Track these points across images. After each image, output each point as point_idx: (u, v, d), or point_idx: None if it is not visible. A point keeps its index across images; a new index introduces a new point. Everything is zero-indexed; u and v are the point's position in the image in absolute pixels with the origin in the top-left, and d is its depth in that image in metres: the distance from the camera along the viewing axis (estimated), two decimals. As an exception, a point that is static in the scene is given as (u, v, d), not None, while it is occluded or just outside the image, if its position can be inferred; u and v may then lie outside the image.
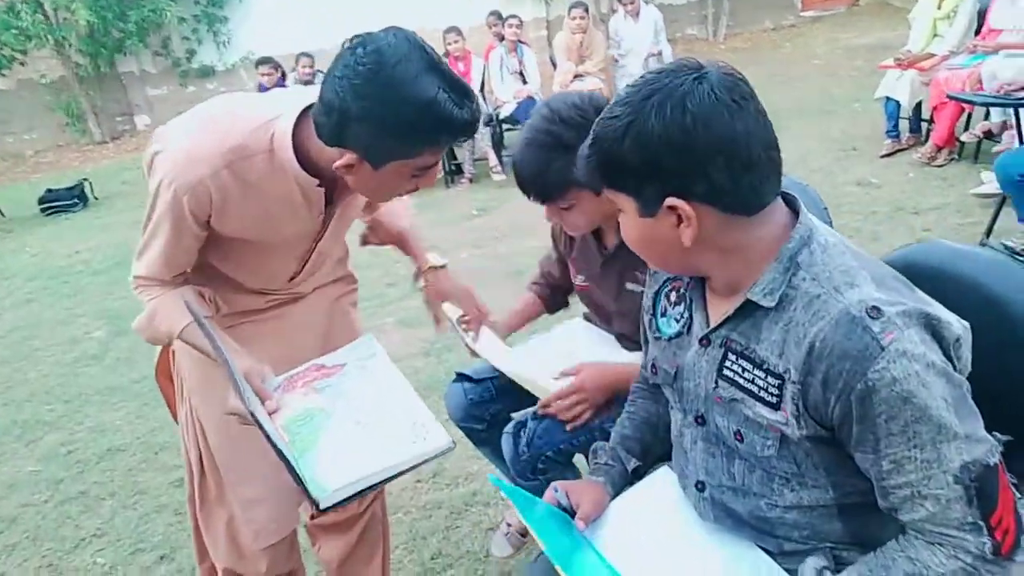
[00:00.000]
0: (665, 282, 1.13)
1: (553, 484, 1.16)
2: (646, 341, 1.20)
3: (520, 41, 6.28)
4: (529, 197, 1.42)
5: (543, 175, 1.36)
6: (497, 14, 6.87)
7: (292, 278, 1.40)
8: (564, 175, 1.32)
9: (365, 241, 1.60)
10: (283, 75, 6.58)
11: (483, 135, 5.98)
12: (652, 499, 1.18)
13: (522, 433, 1.52)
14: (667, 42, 6.60)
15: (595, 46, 6.22)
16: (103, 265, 5.04)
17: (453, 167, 6.36)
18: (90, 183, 7.39)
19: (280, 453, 0.99)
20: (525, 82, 6.18)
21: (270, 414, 1.16)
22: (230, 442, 1.40)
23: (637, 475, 1.24)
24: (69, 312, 4.40)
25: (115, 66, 10.51)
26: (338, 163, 1.09)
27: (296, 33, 9.36)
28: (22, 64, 9.96)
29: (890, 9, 10.03)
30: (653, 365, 1.13)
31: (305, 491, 1.00)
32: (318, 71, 6.89)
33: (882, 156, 4.81)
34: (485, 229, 4.90)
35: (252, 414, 1.01)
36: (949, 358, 0.85)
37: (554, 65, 6.43)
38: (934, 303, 0.88)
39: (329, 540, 1.68)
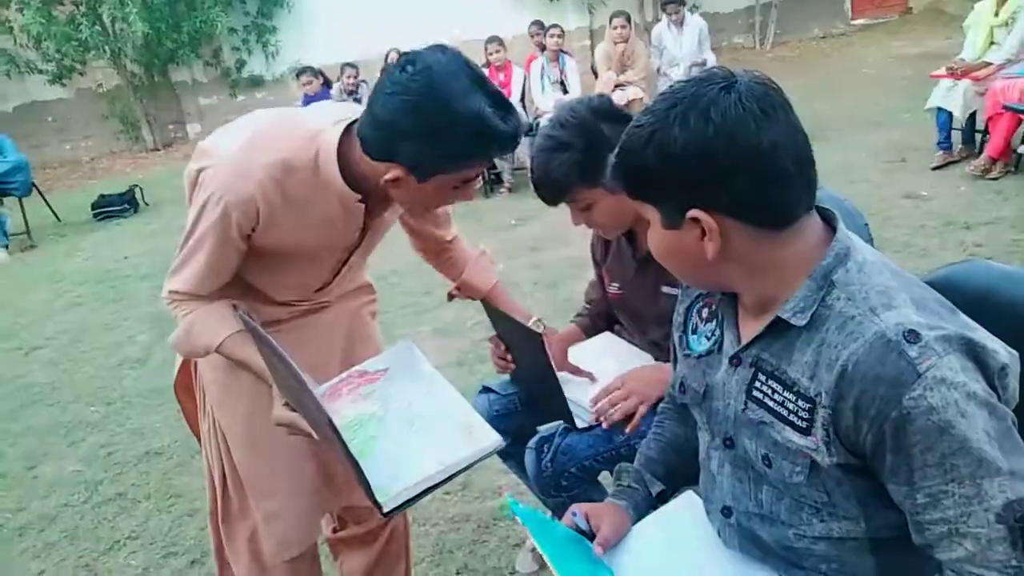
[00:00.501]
0: (697, 297, 1.09)
1: (572, 507, 1.13)
2: (675, 360, 1.17)
3: (562, 51, 6.27)
4: (546, 203, 1.49)
5: (546, 177, 1.43)
6: (539, 23, 6.88)
7: (321, 288, 1.40)
8: (565, 174, 1.40)
9: (451, 297, 1.68)
10: (327, 84, 6.68)
11: (523, 145, 5.98)
12: (674, 525, 1.15)
13: (546, 448, 1.50)
14: (712, 51, 6.52)
15: (637, 55, 6.18)
16: (150, 270, 5.17)
17: (493, 176, 6.37)
18: (141, 189, 7.61)
19: (350, 456, 0.99)
20: (566, 91, 6.16)
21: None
22: (254, 455, 1.40)
23: (661, 499, 1.20)
24: (115, 316, 4.52)
25: (168, 76, 10.84)
26: (386, 177, 1.11)
27: (342, 43, 9.52)
28: (81, 74, 10.34)
29: (944, 17, 9.75)
30: (682, 384, 1.09)
31: (370, 495, 1.01)
32: (362, 81, 7.00)
33: (933, 168, 4.66)
34: (523, 239, 4.89)
35: (326, 418, 1.00)
36: (993, 388, 0.79)
37: (595, 74, 6.40)
38: (979, 328, 0.83)
39: (351, 554, 1.68)
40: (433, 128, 1.05)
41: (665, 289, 1.51)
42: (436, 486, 1.07)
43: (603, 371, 1.60)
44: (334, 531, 1.67)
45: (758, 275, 0.90)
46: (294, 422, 1.16)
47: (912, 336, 0.78)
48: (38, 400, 3.52)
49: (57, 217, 7.38)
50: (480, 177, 1.14)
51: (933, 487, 0.79)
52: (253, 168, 1.16)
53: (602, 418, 1.47)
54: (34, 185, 7.01)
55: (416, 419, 1.13)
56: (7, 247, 6.47)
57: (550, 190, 1.45)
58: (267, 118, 1.26)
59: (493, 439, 1.10)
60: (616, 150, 0.90)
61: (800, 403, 0.87)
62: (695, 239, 0.87)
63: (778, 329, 0.90)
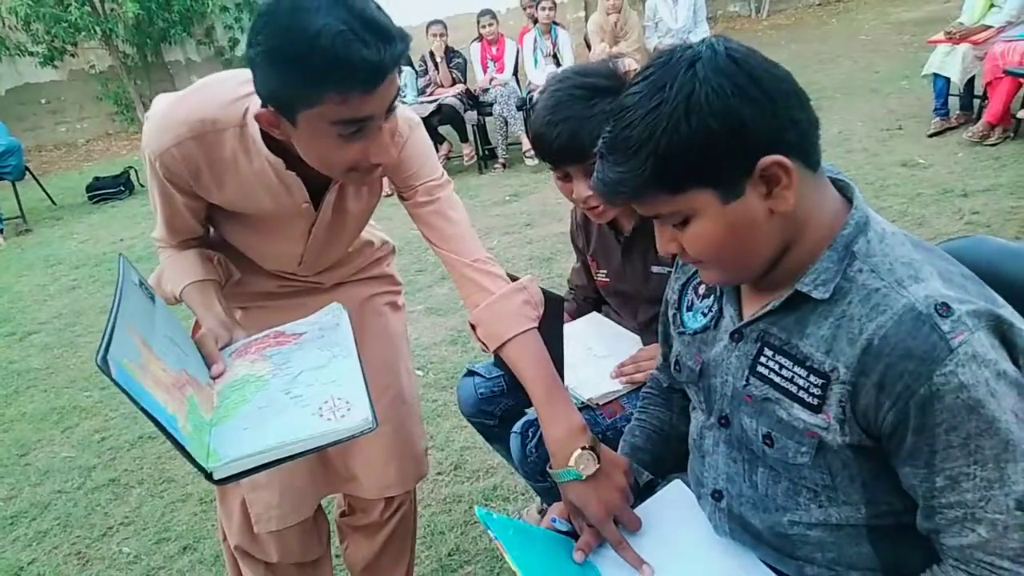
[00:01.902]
0: (694, 274, 1.05)
1: (550, 511, 1.10)
2: (665, 340, 1.13)
3: (555, 23, 6.17)
4: (564, 164, 1.35)
5: (579, 135, 1.28)
6: (532, -5, 6.76)
7: (300, 262, 1.37)
8: (600, 131, 1.27)
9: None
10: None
11: (516, 119, 5.91)
12: (662, 516, 1.11)
13: (531, 433, 1.48)
14: (705, 22, 6.42)
15: (630, 26, 6.08)
16: (145, 252, 5.14)
17: (487, 152, 6.32)
18: (136, 171, 7.55)
19: (158, 424, 0.88)
20: (559, 64, 6.07)
21: (214, 378, 1.10)
22: None
23: (649, 487, 1.17)
24: (110, 299, 4.50)
25: (161, 55, 10.72)
26: (261, 124, 1.04)
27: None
28: (73, 56, 10.22)
29: (945, -21, 9.58)
30: (677, 362, 1.06)
31: (195, 464, 0.90)
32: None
33: (930, 135, 4.59)
34: (517, 215, 4.85)
35: (120, 386, 0.86)
36: (1018, 367, 0.76)
37: (589, 46, 6.30)
38: (1006, 305, 0.79)
39: (355, 542, 1.64)
40: (276, 53, 0.93)
41: (655, 269, 1.49)
42: (283, 460, 0.96)
43: (591, 351, 1.57)
44: (342, 515, 1.65)
45: (804, 231, 0.83)
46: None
47: (944, 309, 0.74)
48: (32, 385, 3.51)
49: (52, 200, 7.34)
50: (386, 145, 1.02)
51: (955, 469, 0.76)
52: (173, 123, 1.11)
53: (623, 376, 1.48)
54: (27, 168, 6.96)
55: (295, 388, 1.04)
56: (2, 232, 6.44)
57: (580, 148, 1.28)
58: (216, 76, 1.20)
59: (356, 421, 0.98)
60: (632, 150, 0.78)
61: (812, 379, 0.83)
62: (759, 200, 0.79)
63: (793, 303, 0.86)
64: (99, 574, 2.17)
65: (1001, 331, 0.76)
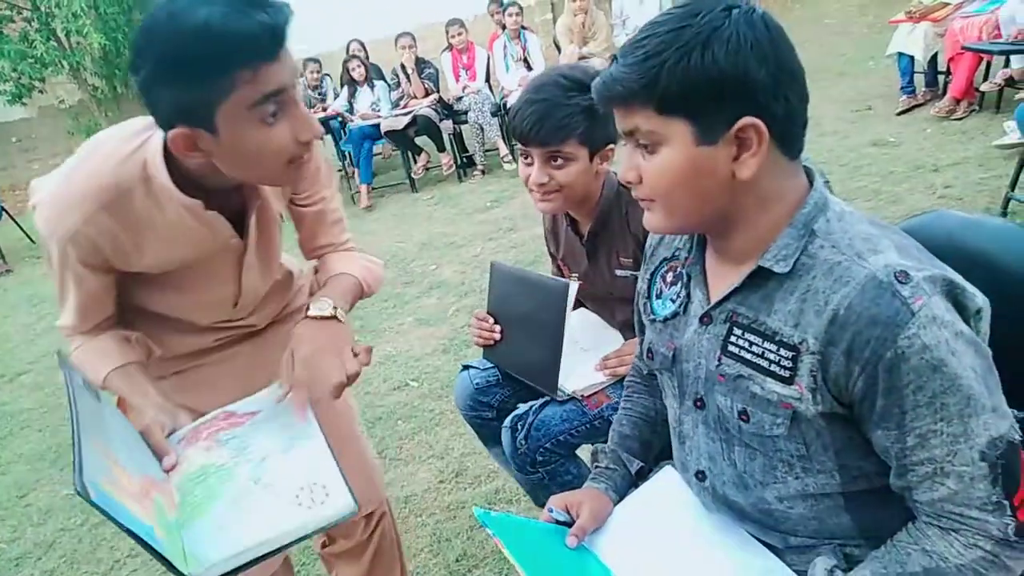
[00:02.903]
0: (661, 263, 1.09)
1: (549, 502, 1.12)
2: (641, 329, 1.17)
3: (523, 27, 6.22)
4: (528, 144, 1.42)
5: (549, 116, 1.38)
6: (499, 2, 6.81)
7: (235, 303, 1.30)
8: (571, 117, 1.37)
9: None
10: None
11: (491, 125, 5.95)
12: (655, 500, 1.15)
13: (519, 426, 1.51)
14: (672, 15, 6.48)
15: (598, 27, 6.13)
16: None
17: (465, 160, 6.35)
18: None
19: (138, 539, 0.84)
20: (531, 68, 6.12)
21: (167, 471, 1.04)
22: None
23: (641, 476, 1.21)
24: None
25: (131, 86, 10.65)
26: (178, 149, 0.98)
27: (304, 38, 9.38)
28: (41, 92, 10.15)
29: (904, -41, 9.73)
30: (649, 351, 1.09)
31: (173, 570, 0.86)
32: (325, 75, 6.92)
33: (898, 114, 4.68)
34: (499, 220, 4.88)
35: (101, 509, 0.82)
36: (970, 327, 0.81)
37: (558, 48, 6.35)
38: (955, 273, 0.84)
39: (343, 567, 1.64)
40: (172, 62, 0.91)
41: (619, 272, 1.52)
42: (263, 557, 0.93)
43: (577, 344, 1.60)
44: (323, 546, 1.63)
45: (761, 209, 0.88)
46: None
47: (903, 276, 0.79)
48: (26, 426, 3.50)
49: (31, 239, 7.28)
50: (283, 93, 0.97)
51: (923, 427, 0.80)
52: (74, 201, 1.05)
53: (607, 369, 1.52)
54: (3, 208, 6.91)
55: (263, 476, 1.00)
56: (-18, 274, 6.40)
57: (550, 128, 1.38)
58: (94, 140, 1.12)
59: (340, 507, 0.95)
60: (639, 57, 0.82)
61: (783, 352, 0.87)
62: (727, 158, 0.84)
63: (756, 281, 0.90)
64: (109, 608, 2.17)
65: (954, 295, 0.81)
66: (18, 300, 5.67)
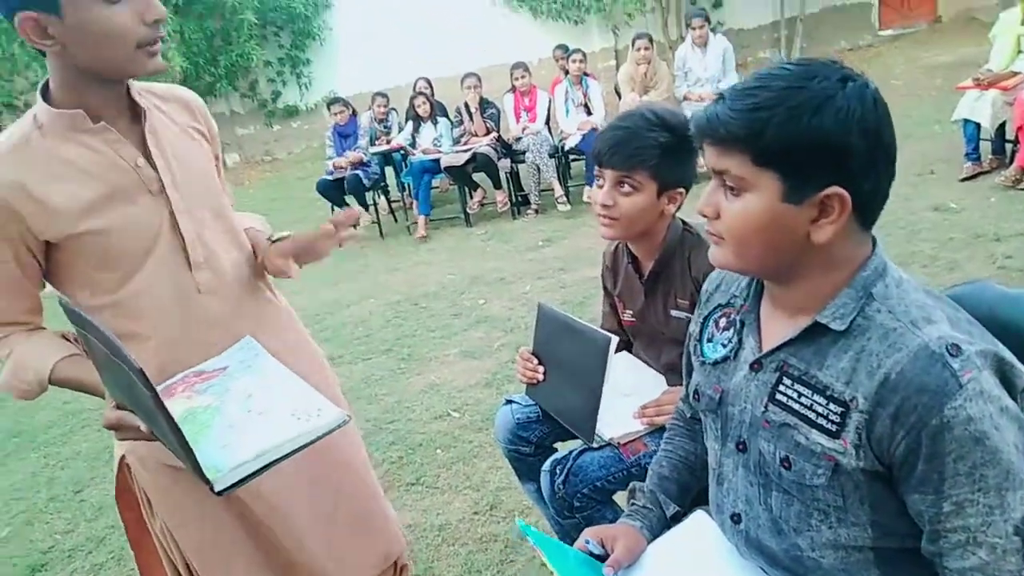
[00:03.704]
0: (715, 308, 1.14)
1: (584, 533, 1.16)
2: (687, 373, 1.21)
3: (585, 74, 6.35)
4: (603, 165, 1.51)
5: (630, 141, 1.47)
6: (563, 47, 6.98)
7: (189, 263, 1.25)
8: (649, 147, 1.46)
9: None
10: (354, 113, 6.87)
11: (548, 166, 6.06)
12: (688, 543, 1.17)
13: (558, 470, 1.54)
14: (735, 71, 6.54)
15: (660, 76, 6.23)
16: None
17: (520, 198, 6.47)
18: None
19: (181, 440, 0.94)
20: (590, 113, 6.24)
21: None
22: (209, 562, 1.38)
23: (676, 519, 1.23)
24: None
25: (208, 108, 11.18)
26: (26, 32, 1.04)
27: (373, 73, 9.77)
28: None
29: (976, 24, 9.61)
30: (696, 392, 1.13)
31: (201, 475, 0.97)
32: (392, 109, 7.17)
33: (961, 180, 4.61)
34: (549, 260, 4.95)
35: (158, 401, 0.91)
36: (1017, 403, 0.84)
37: (619, 95, 6.46)
38: (1005, 348, 0.87)
39: None
40: None
41: (674, 312, 1.57)
42: (273, 463, 1.03)
43: (617, 389, 1.64)
44: None
45: (826, 269, 0.92)
46: (121, 419, 1.06)
47: (954, 349, 0.82)
48: (86, 425, 3.67)
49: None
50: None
51: (960, 495, 0.82)
52: None
53: (644, 418, 1.56)
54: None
55: (253, 407, 1.09)
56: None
57: (625, 153, 1.47)
58: None
59: (333, 417, 1.05)
60: (748, 105, 0.86)
61: (832, 406, 0.91)
62: (807, 219, 0.88)
63: (811, 335, 0.94)
64: (150, 607, 2.25)
65: (1003, 371, 0.84)
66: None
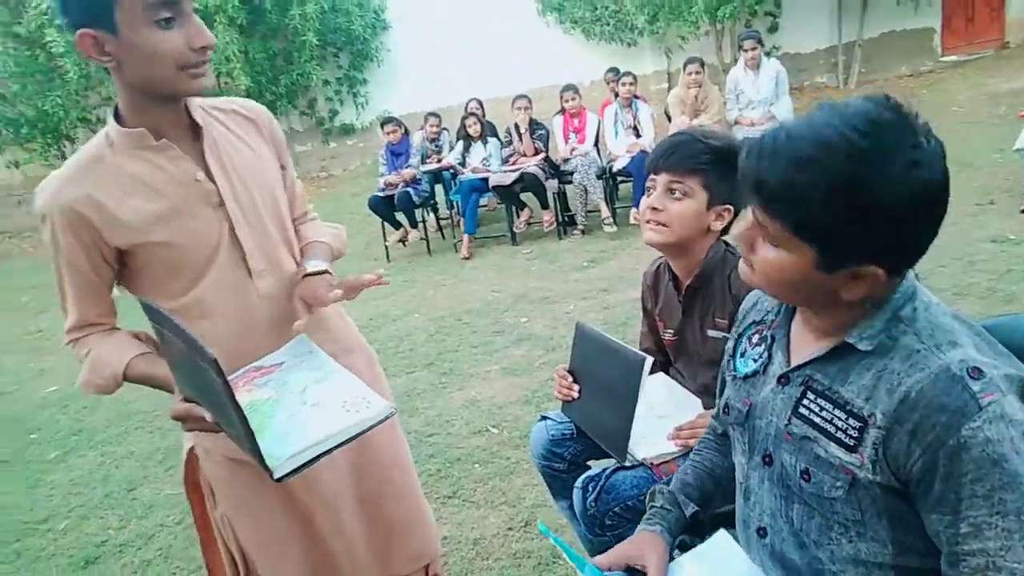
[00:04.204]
0: (750, 325, 1.17)
1: (608, 559, 1.14)
2: (722, 390, 1.23)
3: (636, 96, 6.38)
4: (657, 171, 1.56)
5: (686, 147, 1.53)
6: (615, 70, 7.04)
7: (250, 274, 1.33)
8: (698, 159, 1.51)
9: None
10: (407, 132, 7.03)
11: (596, 187, 6.09)
12: (711, 561, 1.17)
13: (591, 487, 1.56)
14: (789, 94, 6.48)
15: (711, 100, 6.23)
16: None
17: (566, 218, 6.51)
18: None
19: (247, 427, 1.01)
20: (639, 136, 6.26)
21: None
22: (265, 551, 1.47)
23: (695, 519, 1.24)
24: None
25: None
26: (84, 46, 1.14)
27: (427, 93, 9.97)
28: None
29: (1044, 51, 9.35)
30: (726, 406, 1.16)
31: (262, 463, 1.06)
32: (444, 128, 7.31)
33: (1022, 211, 4.47)
34: (594, 280, 4.96)
35: (228, 392, 0.99)
36: None
37: (669, 118, 6.47)
38: None
39: None
40: None
41: (711, 332, 1.59)
42: (326, 452, 1.12)
43: (652, 410, 1.65)
44: None
45: (857, 304, 0.94)
46: (189, 411, 1.15)
47: (976, 372, 0.84)
48: (140, 427, 3.82)
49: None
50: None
51: (978, 517, 0.83)
52: (52, 179, 1.24)
53: (679, 440, 1.57)
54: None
55: (309, 399, 1.18)
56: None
57: (682, 155, 1.53)
58: None
59: (380, 409, 1.14)
60: (807, 183, 0.84)
61: (851, 421, 0.92)
62: (839, 283, 0.90)
63: (839, 354, 0.96)
64: (193, 604, 2.34)
65: None
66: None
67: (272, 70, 10.72)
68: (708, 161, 1.51)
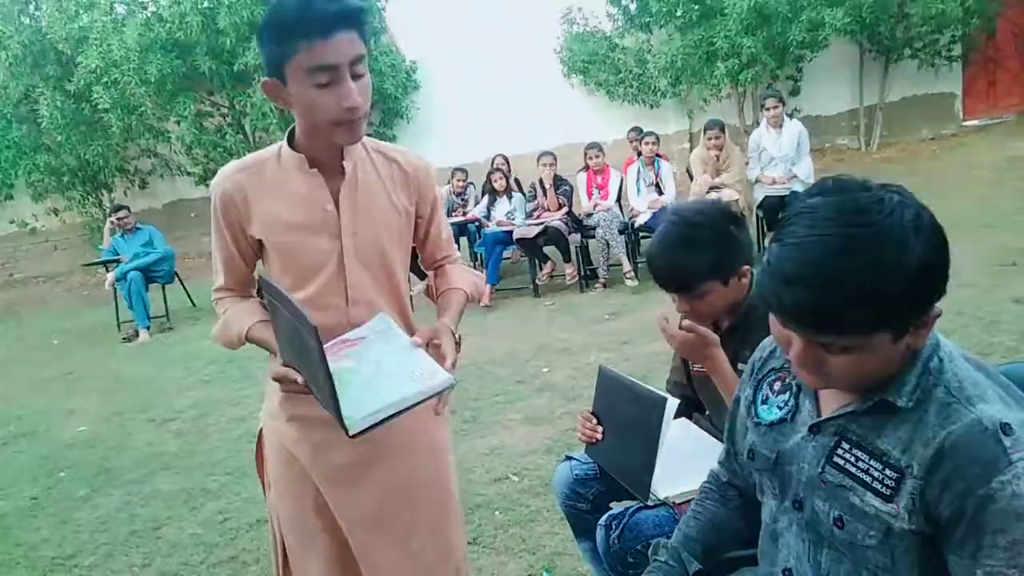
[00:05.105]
0: (770, 372, 1.20)
1: None
2: (730, 435, 1.26)
3: (658, 155, 6.53)
4: (668, 290, 1.63)
5: (676, 270, 1.60)
6: (638, 130, 7.23)
7: (346, 291, 1.49)
8: (697, 268, 1.56)
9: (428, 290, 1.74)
10: (436, 186, 7.21)
11: (618, 242, 6.19)
12: None
13: (614, 525, 1.59)
14: (810, 155, 6.57)
15: (732, 160, 6.33)
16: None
17: (588, 272, 6.59)
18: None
19: (332, 389, 1.19)
20: (661, 193, 6.38)
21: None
22: (296, 536, 1.59)
23: None
24: (238, 393, 4.93)
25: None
26: (267, 89, 1.36)
27: (454, 149, 10.23)
28: (223, 176, 11.55)
29: (1067, 116, 9.41)
30: (751, 451, 1.19)
31: (340, 420, 1.23)
32: (470, 183, 7.50)
33: (1046, 272, 4.48)
34: (615, 333, 5.01)
35: (322, 353, 1.17)
36: None
37: (691, 176, 6.59)
38: None
39: None
40: (262, 29, 1.32)
41: (740, 366, 1.62)
42: (395, 414, 1.27)
43: (674, 450, 1.68)
44: None
45: (896, 362, 0.97)
46: (287, 373, 1.33)
47: (1007, 428, 0.89)
48: (167, 467, 3.88)
49: (193, 302, 8.13)
50: (334, 69, 1.30)
51: (995, 567, 0.87)
52: (228, 169, 1.49)
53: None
54: (176, 274, 7.81)
55: (383, 368, 1.35)
56: (148, 328, 7.18)
57: (678, 282, 1.61)
58: None
59: (444, 379, 1.31)
60: (843, 301, 0.87)
61: (887, 472, 0.97)
62: (912, 337, 0.93)
63: (879, 408, 1.00)
64: (214, 643, 2.35)
65: None
66: (175, 355, 6.32)
67: (308, 126, 11.08)
68: (709, 261, 1.56)
